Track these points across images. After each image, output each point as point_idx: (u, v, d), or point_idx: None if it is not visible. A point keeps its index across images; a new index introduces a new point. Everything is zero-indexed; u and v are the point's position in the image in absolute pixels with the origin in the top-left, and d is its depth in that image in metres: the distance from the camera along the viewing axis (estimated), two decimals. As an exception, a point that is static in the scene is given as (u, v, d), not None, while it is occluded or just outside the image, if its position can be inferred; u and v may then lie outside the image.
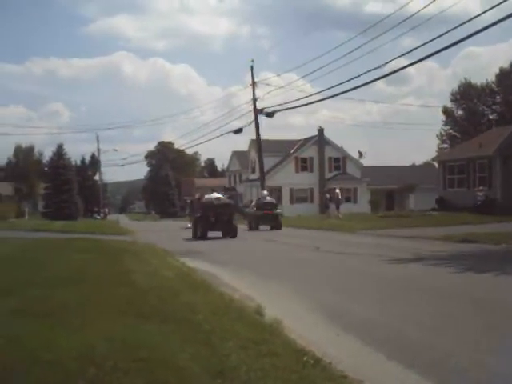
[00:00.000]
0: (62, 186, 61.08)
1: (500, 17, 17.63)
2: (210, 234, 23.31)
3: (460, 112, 74.42)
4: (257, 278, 11.35)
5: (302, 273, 12.23)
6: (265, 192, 33.04)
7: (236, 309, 7.22)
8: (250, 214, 31.26)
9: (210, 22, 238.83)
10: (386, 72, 29.35)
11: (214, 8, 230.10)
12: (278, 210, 30.01)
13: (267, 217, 28.73)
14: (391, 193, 60.70)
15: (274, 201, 31.09)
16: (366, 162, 63.06)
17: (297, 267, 13.26)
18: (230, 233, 23.40)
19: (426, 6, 23.43)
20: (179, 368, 4.47)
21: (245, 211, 39.06)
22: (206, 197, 25.57)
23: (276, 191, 56.29)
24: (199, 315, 6.51)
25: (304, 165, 56.83)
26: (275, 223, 28.45)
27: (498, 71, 71.54)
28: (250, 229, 28.96)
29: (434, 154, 59.31)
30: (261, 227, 28.66)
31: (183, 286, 8.92)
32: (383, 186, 59.17)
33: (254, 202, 32.72)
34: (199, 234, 23.40)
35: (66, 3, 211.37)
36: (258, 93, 43.68)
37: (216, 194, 25.55)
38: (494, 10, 19.13)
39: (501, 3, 17.90)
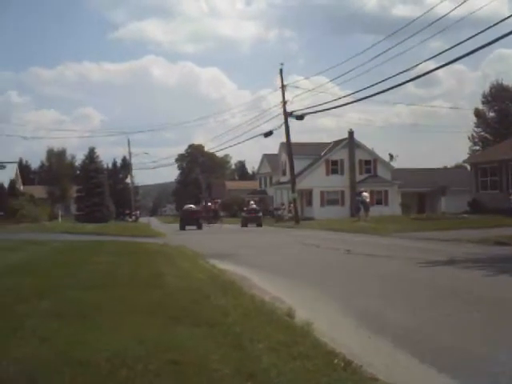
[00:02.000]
0: (93, 189, 61.49)
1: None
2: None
3: (492, 114, 73.32)
4: (287, 281, 11.33)
5: (332, 275, 12.18)
6: (251, 202, 50.29)
7: (267, 311, 7.21)
8: (241, 216, 46.61)
9: (238, 25, 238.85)
10: (415, 75, 28.89)
11: (242, 12, 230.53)
12: (259, 214, 44.37)
13: (252, 218, 43.66)
14: (422, 195, 59.99)
15: (257, 208, 46.20)
16: (396, 164, 62.49)
17: (327, 270, 13.21)
18: (199, 227, 40.10)
19: (455, 8, 22.85)
20: (210, 370, 4.47)
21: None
22: (185, 207, 44.64)
23: (307, 194, 56.15)
24: (230, 317, 6.52)
25: (334, 167, 56.43)
26: (258, 222, 42.91)
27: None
28: (242, 226, 42.79)
29: (466, 157, 58.49)
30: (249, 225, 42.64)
31: (214, 288, 8.93)
32: (414, 189, 58.46)
33: (245, 208, 47.98)
34: (181, 227, 39.59)
35: (96, 7, 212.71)
36: (287, 96, 43.57)
37: (190, 205, 45.41)
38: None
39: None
